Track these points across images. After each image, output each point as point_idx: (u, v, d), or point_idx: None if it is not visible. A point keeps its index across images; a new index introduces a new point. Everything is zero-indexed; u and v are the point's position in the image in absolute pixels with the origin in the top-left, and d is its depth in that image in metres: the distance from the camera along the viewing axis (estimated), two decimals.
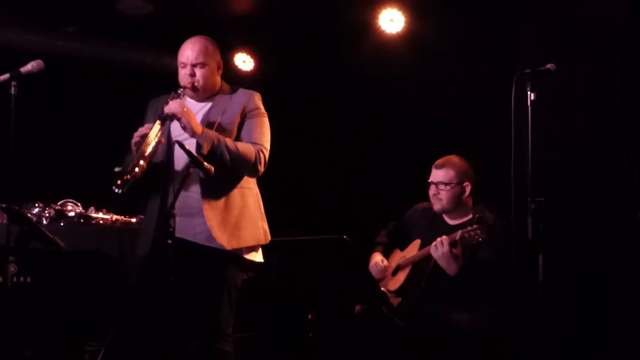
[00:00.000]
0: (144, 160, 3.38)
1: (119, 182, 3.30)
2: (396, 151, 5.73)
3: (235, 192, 3.69)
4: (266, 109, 3.82)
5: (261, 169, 3.68)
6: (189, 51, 3.69)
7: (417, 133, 5.64)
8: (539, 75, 3.63)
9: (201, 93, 3.73)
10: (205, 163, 3.37)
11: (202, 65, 3.69)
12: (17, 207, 3.94)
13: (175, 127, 3.66)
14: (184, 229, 3.57)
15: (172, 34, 5.98)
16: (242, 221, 3.66)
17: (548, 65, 3.65)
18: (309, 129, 6.52)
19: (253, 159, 3.61)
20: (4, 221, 4.31)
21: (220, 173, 3.46)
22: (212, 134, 3.55)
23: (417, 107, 5.69)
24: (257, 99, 3.80)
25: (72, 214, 5.15)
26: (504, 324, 3.86)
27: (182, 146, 3.34)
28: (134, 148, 3.47)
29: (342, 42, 6.09)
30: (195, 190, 3.61)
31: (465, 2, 5.29)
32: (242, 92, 3.82)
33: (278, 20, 6.02)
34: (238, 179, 3.72)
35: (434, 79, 5.59)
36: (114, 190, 3.31)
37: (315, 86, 6.36)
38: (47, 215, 5.07)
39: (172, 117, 3.51)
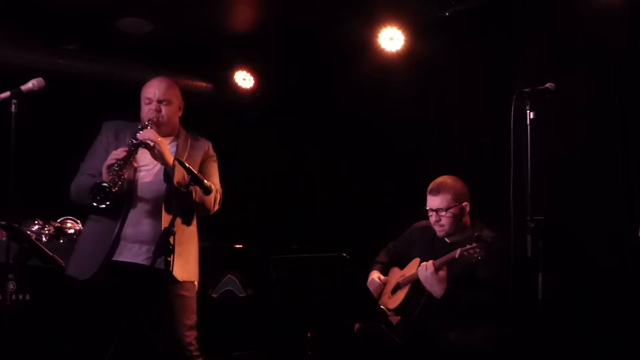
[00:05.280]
0: (120, 181, 3.56)
1: (102, 196, 3.49)
2: (395, 169, 5.72)
3: (189, 229, 3.90)
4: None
5: (215, 209, 3.91)
6: (156, 89, 3.88)
7: (416, 151, 5.64)
8: (538, 94, 3.64)
9: (163, 129, 3.89)
10: (206, 181, 3.44)
11: (168, 102, 3.89)
12: (16, 225, 3.94)
13: (140, 157, 3.78)
14: (134, 254, 3.76)
15: (171, 52, 6.07)
16: (189, 257, 3.86)
17: (547, 84, 3.67)
18: (308, 146, 6.51)
19: (213, 200, 3.84)
20: (4, 238, 4.30)
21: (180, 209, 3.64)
22: (183, 169, 3.64)
23: (416, 125, 5.69)
24: (211, 147, 4.08)
25: (71, 231, 5.15)
26: (503, 343, 3.85)
27: (182, 163, 3.48)
28: (105, 170, 3.58)
29: (342, 60, 6.10)
30: (147, 221, 3.76)
31: (465, 21, 5.30)
32: (201, 140, 4.06)
33: (278, 38, 6.04)
34: (192, 217, 3.93)
35: (434, 97, 5.60)
36: (96, 204, 3.52)
37: (315, 104, 6.37)
38: (47, 232, 5.07)
39: (146, 144, 3.66)
